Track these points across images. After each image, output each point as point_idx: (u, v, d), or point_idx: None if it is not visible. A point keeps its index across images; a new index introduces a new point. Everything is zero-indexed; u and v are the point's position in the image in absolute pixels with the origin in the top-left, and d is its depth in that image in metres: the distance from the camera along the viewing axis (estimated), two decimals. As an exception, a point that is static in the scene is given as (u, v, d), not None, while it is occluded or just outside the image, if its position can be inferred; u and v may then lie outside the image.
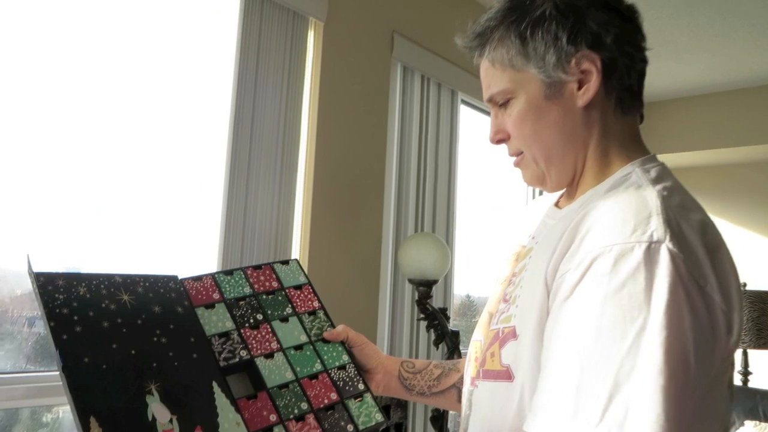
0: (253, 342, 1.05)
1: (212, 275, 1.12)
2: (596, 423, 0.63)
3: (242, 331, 1.06)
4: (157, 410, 0.83)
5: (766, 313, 3.61)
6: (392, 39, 2.79)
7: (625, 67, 0.84)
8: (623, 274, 0.66)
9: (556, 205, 0.95)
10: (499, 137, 0.91)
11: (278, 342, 1.07)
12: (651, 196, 0.73)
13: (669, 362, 0.63)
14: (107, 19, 1.87)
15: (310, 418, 0.99)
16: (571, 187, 0.90)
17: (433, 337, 2.47)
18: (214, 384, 0.93)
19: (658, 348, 0.63)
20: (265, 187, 2.16)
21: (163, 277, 1.02)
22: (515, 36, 0.85)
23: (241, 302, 1.10)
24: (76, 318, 0.85)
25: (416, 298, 2.39)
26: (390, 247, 2.72)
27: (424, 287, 2.35)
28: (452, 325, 2.48)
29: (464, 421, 0.93)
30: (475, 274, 3.39)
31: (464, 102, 3.31)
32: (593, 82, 0.83)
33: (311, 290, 1.18)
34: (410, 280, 2.39)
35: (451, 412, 2.36)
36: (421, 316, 2.40)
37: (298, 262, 1.22)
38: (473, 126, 3.40)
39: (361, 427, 1.01)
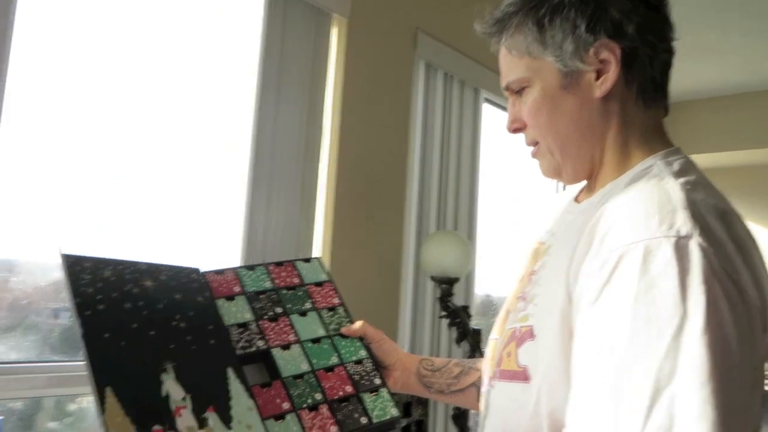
0: (271, 333, 1.05)
1: (234, 269, 1.13)
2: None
3: (260, 322, 1.06)
4: (172, 387, 0.85)
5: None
6: (415, 36, 2.78)
7: (648, 57, 0.81)
8: (653, 272, 0.63)
9: (576, 199, 0.92)
10: (516, 126, 0.89)
11: (296, 334, 1.07)
12: (674, 189, 0.70)
13: (716, 365, 0.58)
14: (128, 20, 1.90)
15: (324, 409, 0.99)
16: (591, 181, 0.88)
17: (454, 335, 2.46)
18: (229, 370, 0.94)
19: (702, 349, 0.59)
20: (288, 184, 2.17)
21: (186, 268, 1.04)
22: (533, 23, 0.83)
23: (261, 296, 1.10)
24: (99, 297, 0.87)
25: (438, 295, 2.38)
26: (411, 245, 2.72)
27: (446, 285, 2.35)
28: (474, 324, 2.47)
29: (482, 421, 0.91)
30: (496, 273, 3.36)
31: (487, 100, 3.29)
32: (612, 73, 0.80)
33: (332, 287, 1.18)
34: (432, 278, 2.39)
35: (472, 410, 2.35)
36: (443, 313, 2.39)
37: (320, 260, 1.22)
38: (496, 124, 3.38)
39: (375, 421, 1.00)
